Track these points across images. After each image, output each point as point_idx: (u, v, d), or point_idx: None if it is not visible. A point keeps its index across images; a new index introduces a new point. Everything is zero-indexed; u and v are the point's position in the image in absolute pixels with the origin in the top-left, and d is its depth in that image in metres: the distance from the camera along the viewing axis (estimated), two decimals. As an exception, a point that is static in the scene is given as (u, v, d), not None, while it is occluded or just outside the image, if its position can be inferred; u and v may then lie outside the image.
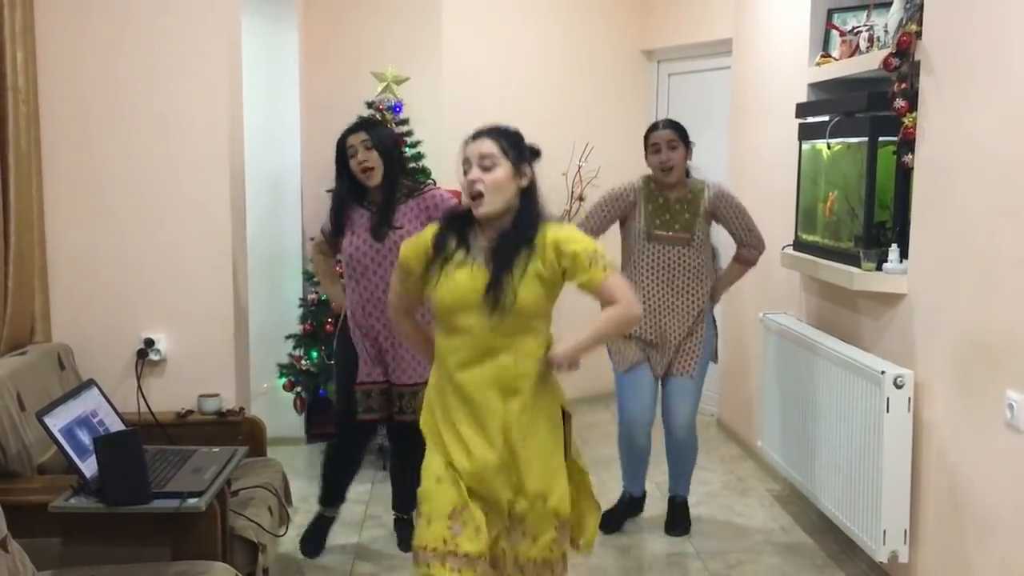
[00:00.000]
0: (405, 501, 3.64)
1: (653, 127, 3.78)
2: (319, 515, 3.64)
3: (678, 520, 3.90)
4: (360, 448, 3.63)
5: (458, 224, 2.45)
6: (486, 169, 2.38)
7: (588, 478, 2.59)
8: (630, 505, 4.00)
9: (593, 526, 2.59)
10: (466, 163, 2.42)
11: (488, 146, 2.40)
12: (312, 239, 3.73)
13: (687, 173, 3.77)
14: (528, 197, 2.44)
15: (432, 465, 2.44)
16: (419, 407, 3.04)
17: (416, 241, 2.49)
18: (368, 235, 3.36)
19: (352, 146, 3.35)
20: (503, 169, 2.39)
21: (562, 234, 2.40)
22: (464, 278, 2.38)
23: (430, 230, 2.48)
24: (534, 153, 2.49)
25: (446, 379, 2.44)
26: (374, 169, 3.33)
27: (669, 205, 3.71)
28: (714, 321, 3.88)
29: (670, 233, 3.69)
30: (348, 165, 3.38)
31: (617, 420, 3.87)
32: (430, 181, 4.23)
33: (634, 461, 3.93)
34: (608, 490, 4.36)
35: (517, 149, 2.44)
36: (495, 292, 2.34)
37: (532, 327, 2.41)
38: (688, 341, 3.76)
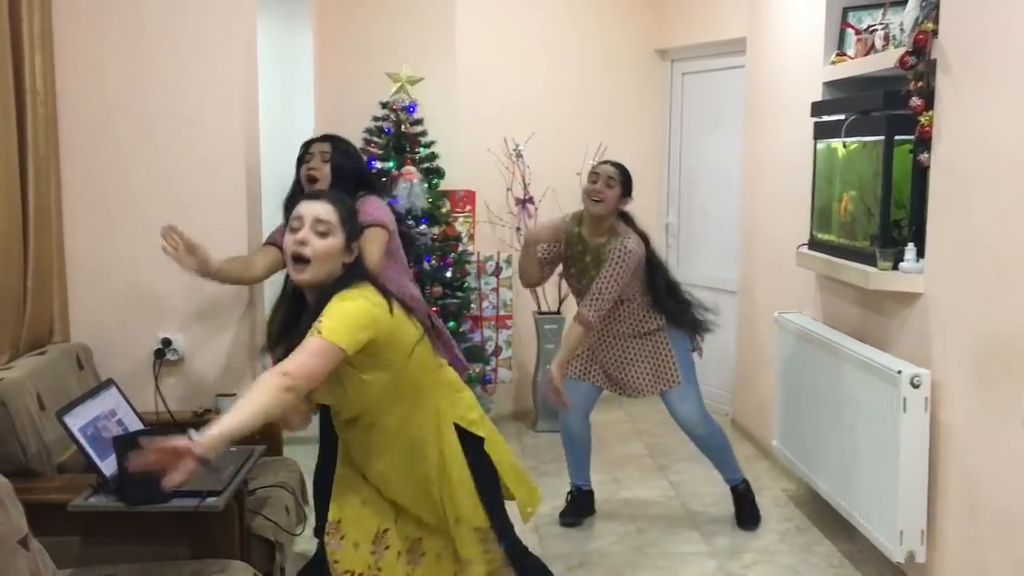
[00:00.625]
0: None
1: (602, 162, 3.81)
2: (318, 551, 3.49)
3: (744, 511, 3.95)
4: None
5: (292, 294, 2.34)
6: (320, 235, 2.23)
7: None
8: (579, 499, 4.03)
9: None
10: (297, 220, 2.26)
11: (327, 211, 2.26)
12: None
13: (627, 220, 3.74)
14: (345, 275, 2.28)
15: (360, 486, 2.48)
16: None
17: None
18: None
19: (311, 153, 3.19)
20: (336, 240, 2.25)
21: (333, 302, 2.22)
22: None
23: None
24: (358, 231, 2.38)
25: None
26: (318, 183, 3.12)
27: (586, 254, 3.72)
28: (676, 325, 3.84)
29: (578, 284, 3.76)
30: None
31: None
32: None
33: (572, 450, 4.02)
34: (624, 488, 4.37)
35: (352, 223, 2.32)
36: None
37: (358, 386, 2.29)
38: (655, 360, 3.81)
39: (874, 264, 3.29)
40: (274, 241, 3.25)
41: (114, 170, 3.40)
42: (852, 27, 3.88)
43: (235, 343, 3.53)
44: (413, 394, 2.40)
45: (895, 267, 3.23)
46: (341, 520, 2.47)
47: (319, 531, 3.45)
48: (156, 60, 3.39)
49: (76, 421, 2.58)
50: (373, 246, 2.92)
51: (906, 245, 3.22)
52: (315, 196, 2.34)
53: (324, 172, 3.13)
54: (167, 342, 3.44)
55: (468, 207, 5.13)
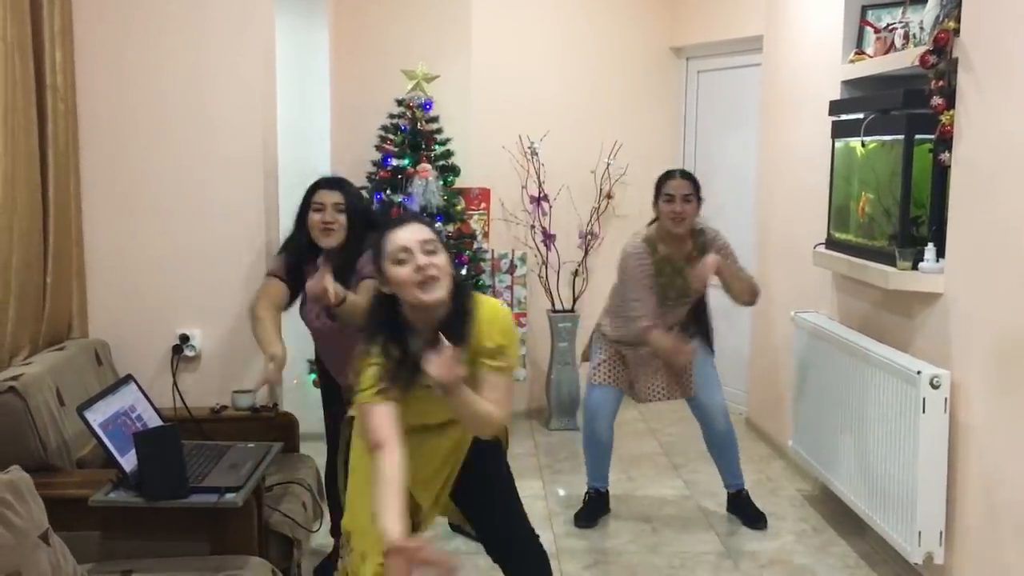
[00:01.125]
0: None
1: (669, 175, 3.76)
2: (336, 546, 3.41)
3: (749, 515, 3.97)
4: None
5: (391, 329, 2.28)
6: (430, 253, 2.23)
7: None
8: (596, 501, 4.04)
9: None
10: (404, 252, 2.21)
11: (426, 232, 2.26)
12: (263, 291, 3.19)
13: (695, 231, 3.78)
14: (460, 290, 2.31)
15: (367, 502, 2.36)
16: None
17: (368, 388, 2.25)
18: (325, 314, 3.02)
19: (320, 203, 3.11)
20: (445, 254, 2.26)
21: (493, 320, 2.31)
22: (426, 398, 2.27)
23: (371, 367, 2.25)
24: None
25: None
26: (335, 232, 3.08)
27: (679, 271, 3.74)
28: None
29: (684, 300, 3.79)
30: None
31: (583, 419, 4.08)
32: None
33: (597, 454, 4.02)
34: (639, 487, 4.37)
35: (442, 239, 2.34)
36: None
37: None
38: (675, 370, 3.87)
39: (893, 264, 3.27)
40: (277, 274, 3.17)
41: (133, 167, 3.42)
42: (871, 25, 3.86)
43: (252, 339, 3.50)
44: None
45: (915, 267, 3.21)
46: (351, 532, 2.44)
47: (336, 531, 3.47)
48: (175, 57, 3.40)
49: (96, 416, 2.59)
50: (366, 296, 2.79)
51: (926, 245, 3.20)
52: (403, 222, 2.30)
53: (340, 221, 3.09)
54: (184, 338, 3.45)
55: (483, 204, 5.13)
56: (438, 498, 2.56)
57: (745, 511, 3.98)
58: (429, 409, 2.33)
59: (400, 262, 2.21)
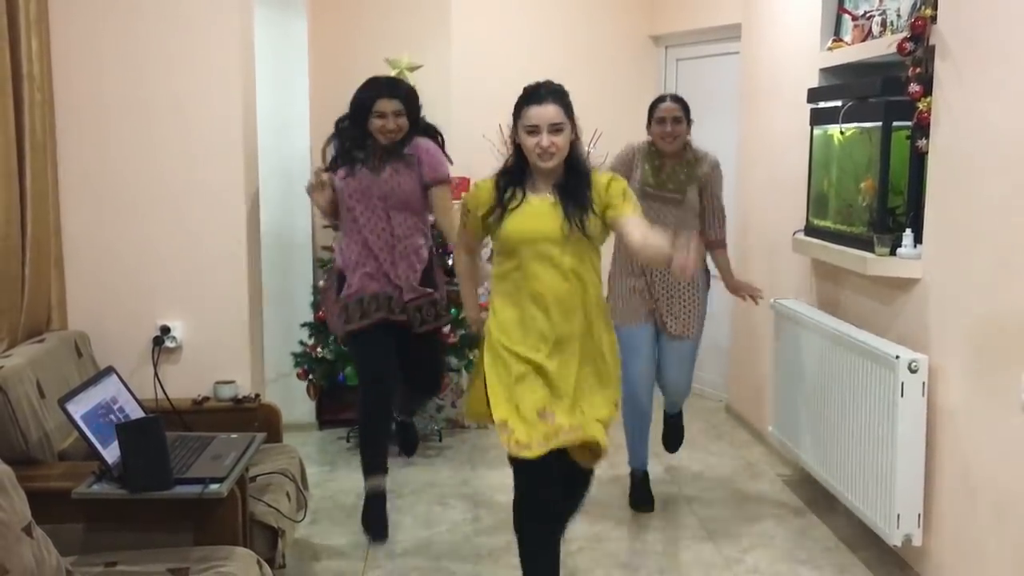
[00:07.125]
0: (408, 406, 3.88)
1: (660, 99, 3.95)
2: (367, 495, 3.58)
3: (673, 435, 4.18)
4: (384, 402, 3.58)
5: (513, 175, 2.80)
6: (555, 132, 2.69)
7: None
8: (644, 482, 4.06)
9: None
10: (533, 128, 2.69)
11: (556, 113, 2.70)
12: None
13: (686, 146, 3.93)
14: (574, 144, 2.80)
15: (500, 405, 2.74)
16: (425, 319, 3.55)
17: (477, 192, 2.85)
18: (366, 171, 3.47)
19: (383, 112, 3.43)
20: (567, 133, 2.73)
21: (606, 177, 2.81)
22: (541, 211, 2.73)
23: (487, 183, 2.82)
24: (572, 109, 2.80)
25: (515, 301, 2.77)
26: (397, 134, 3.47)
27: (665, 166, 3.87)
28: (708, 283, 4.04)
29: (663, 193, 3.86)
30: (366, 120, 3.45)
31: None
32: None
33: (638, 427, 4.01)
34: (619, 472, 4.38)
35: (571, 108, 2.76)
36: (578, 219, 2.71)
37: (590, 254, 2.80)
38: (680, 301, 3.90)
39: (871, 250, 3.31)
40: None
41: (111, 156, 3.38)
42: (848, 12, 3.88)
43: (233, 330, 3.51)
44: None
45: (893, 253, 3.25)
46: (506, 421, 2.73)
47: (368, 468, 3.59)
48: (153, 46, 3.36)
49: (78, 408, 2.58)
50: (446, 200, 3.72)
51: (903, 231, 3.24)
52: (541, 99, 2.72)
53: (403, 123, 3.47)
54: (166, 329, 3.43)
55: (463, 194, 5.12)
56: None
57: (668, 427, 4.17)
58: (542, 226, 2.73)
59: (530, 132, 2.72)
